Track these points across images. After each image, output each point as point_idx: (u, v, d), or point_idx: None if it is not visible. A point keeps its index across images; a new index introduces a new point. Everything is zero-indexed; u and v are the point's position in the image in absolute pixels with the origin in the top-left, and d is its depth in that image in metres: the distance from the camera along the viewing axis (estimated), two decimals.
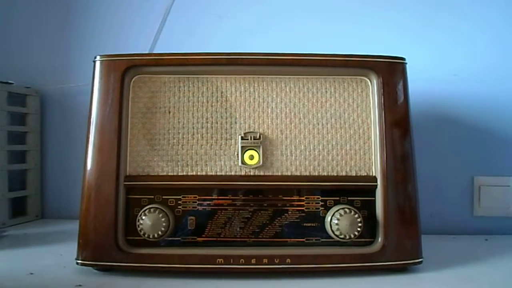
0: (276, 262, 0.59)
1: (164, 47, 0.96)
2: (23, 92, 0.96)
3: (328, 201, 0.61)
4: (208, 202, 0.61)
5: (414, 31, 0.92)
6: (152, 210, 0.58)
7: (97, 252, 0.59)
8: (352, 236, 0.58)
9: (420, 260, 0.60)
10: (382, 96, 0.61)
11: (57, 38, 1.02)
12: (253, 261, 0.58)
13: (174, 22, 0.98)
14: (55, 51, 1.02)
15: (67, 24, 1.02)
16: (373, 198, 0.61)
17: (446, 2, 0.91)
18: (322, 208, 0.61)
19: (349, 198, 0.61)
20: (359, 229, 0.58)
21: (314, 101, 0.62)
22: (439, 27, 0.91)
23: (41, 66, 1.02)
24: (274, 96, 0.62)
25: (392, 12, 0.92)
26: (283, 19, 0.95)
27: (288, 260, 0.59)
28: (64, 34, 1.02)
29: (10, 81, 0.92)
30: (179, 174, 0.61)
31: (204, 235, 0.61)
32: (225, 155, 0.61)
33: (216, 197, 0.61)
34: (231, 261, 0.58)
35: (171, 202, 0.61)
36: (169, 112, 0.62)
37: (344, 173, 0.61)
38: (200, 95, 0.62)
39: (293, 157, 0.61)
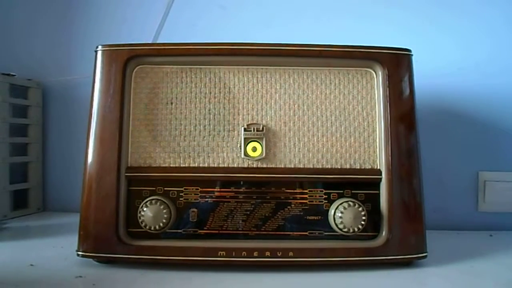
0: (279, 255, 0.58)
1: (167, 39, 0.95)
2: (25, 84, 0.95)
3: (331, 194, 0.60)
4: (210, 194, 0.60)
5: (416, 27, 0.91)
6: (153, 201, 0.58)
7: (98, 244, 0.59)
8: (356, 229, 0.57)
9: (424, 254, 0.60)
10: (388, 88, 0.61)
11: (59, 30, 1.02)
12: (255, 254, 0.58)
13: (178, 14, 0.97)
14: (57, 43, 1.01)
15: (69, 16, 1.01)
16: (377, 192, 0.60)
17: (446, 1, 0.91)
18: (326, 201, 0.60)
19: (353, 191, 0.60)
20: (363, 222, 0.57)
21: (318, 92, 0.62)
22: (439, 23, 0.90)
23: (43, 58, 1.02)
24: (277, 87, 0.62)
25: (394, 9, 0.92)
26: (288, 14, 0.94)
27: (291, 254, 0.58)
28: (66, 26, 1.01)
29: (12, 73, 0.91)
30: (181, 165, 0.60)
31: (206, 228, 0.60)
32: (227, 146, 0.61)
33: (218, 189, 0.60)
34: (233, 254, 0.58)
35: (173, 194, 0.60)
36: (171, 103, 0.61)
37: (348, 166, 0.61)
38: (202, 86, 0.61)
39: (296, 149, 0.61)
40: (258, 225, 0.60)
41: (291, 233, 0.60)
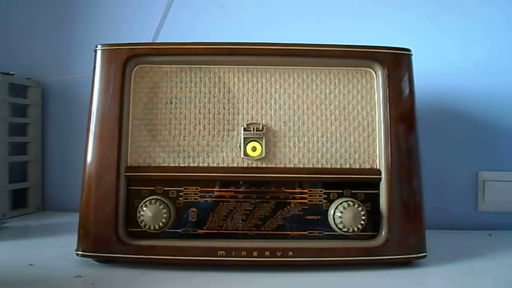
0: (278, 255, 0.58)
1: (166, 39, 0.95)
2: (24, 83, 0.95)
3: (331, 193, 0.60)
4: (209, 194, 0.60)
5: (416, 27, 0.91)
6: (153, 201, 0.58)
7: (97, 243, 0.59)
8: (356, 229, 0.57)
9: (424, 254, 0.60)
10: (387, 88, 0.61)
11: (58, 29, 1.01)
12: (255, 253, 0.58)
13: (177, 13, 0.97)
14: (57, 43, 1.01)
15: (69, 16, 1.01)
16: (377, 191, 0.60)
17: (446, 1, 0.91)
18: (325, 201, 0.60)
19: (352, 191, 0.60)
20: (362, 222, 0.57)
21: (317, 92, 0.62)
22: (439, 23, 0.91)
23: (42, 57, 1.02)
24: (277, 87, 0.62)
25: (394, 9, 0.92)
26: (288, 14, 0.94)
27: (290, 253, 0.58)
28: (65, 26, 1.01)
29: (11, 72, 0.91)
30: (181, 165, 0.60)
31: (205, 227, 0.60)
32: (227, 146, 0.61)
33: (218, 189, 0.60)
34: (233, 254, 0.58)
35: (172, 193, 0.60)
36: (171, 103, 0.61)
37: (347, 166, 0.61)
38: (202, 86, 0.61)
39: (296, 149, 0.61)
40: (258, 225, 0.60)
41: (290, 232, 0.60)
